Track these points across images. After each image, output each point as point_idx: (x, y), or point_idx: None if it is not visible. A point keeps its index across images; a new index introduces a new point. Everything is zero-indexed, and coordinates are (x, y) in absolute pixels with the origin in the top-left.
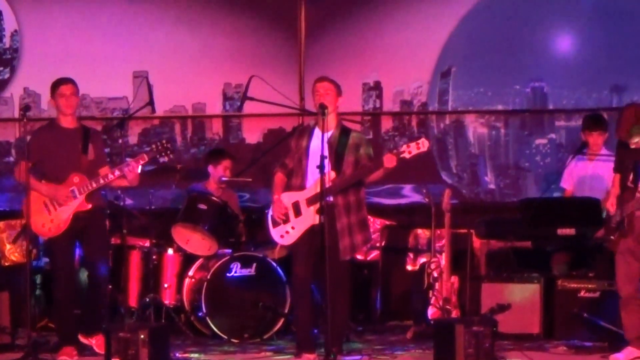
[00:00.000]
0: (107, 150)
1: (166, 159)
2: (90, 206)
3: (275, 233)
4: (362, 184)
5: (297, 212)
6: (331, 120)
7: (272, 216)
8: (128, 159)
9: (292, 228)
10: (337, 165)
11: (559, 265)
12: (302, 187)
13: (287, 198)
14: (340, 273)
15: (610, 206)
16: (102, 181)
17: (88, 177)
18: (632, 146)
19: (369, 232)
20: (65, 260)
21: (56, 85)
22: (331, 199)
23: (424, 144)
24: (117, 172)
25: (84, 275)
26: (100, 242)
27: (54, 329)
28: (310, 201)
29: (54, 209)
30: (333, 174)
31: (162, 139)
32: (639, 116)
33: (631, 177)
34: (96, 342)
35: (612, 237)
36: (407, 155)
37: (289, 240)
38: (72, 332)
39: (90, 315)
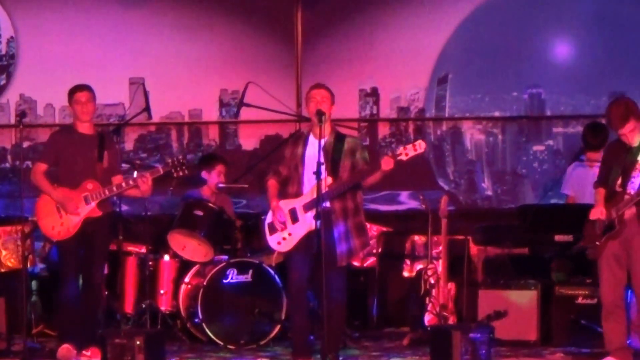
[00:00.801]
0: None
1: (181, 174)
2: (100, 213)
3: (272, 240)
4: (360, 189)
5: (294, 219)
6: (326, 126)
7: (268, 223)
8: (125, 165)
9: (289, 235)
10: (333, 171)
11: (558, 272)
12: (298, 194)
13: (284, 205)
14: (337, 279)
15: (601, 214)
16: (115, 190)
17: (102, 184)
18: (624, 133)
19: (367, 236)
20: (73, 263)
21: (72, 92)
22: (328, 204)
23: (420, 146)
24: (131, 182)
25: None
26: (102, 248)
27: (51, 335)
28: (307, 207)
29: (65, 213)
30: (330, 180)
31: (179, 155)
32: (629, 108)
33: (619, 181)
34: (92, 354)
35: (597, 243)
36: (404, 158)
37: (286, 247)
38: (72, 330)
39: (86, 321)
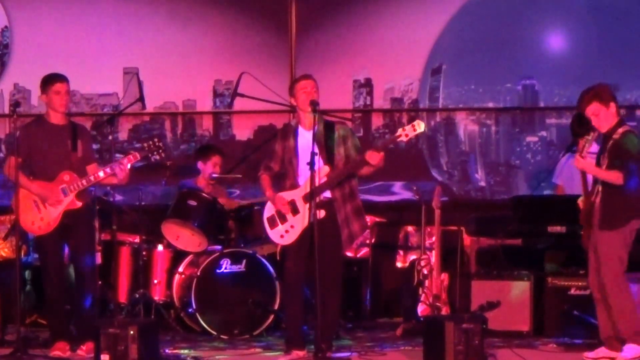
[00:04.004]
0: (97, 146)
1: (157, 157)
2: (80, 204)
3: (274, 234)
4: (355, 175)
5: (295, 211)
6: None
7: (268, 217)
8: (118, 155)
9: (292, 227)
10: (329, 159)
11: (551, 263)
12: (294, 186)
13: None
14: (334, 269)
15: (581, 202)
16: (93, 179)
17: (78, 174)
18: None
19: (365, 219)
20: (55, 257)
21: (51, 81)
22: (329, 194)
23: (419, 125)
24: (108, 170)
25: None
26: (86, 236)
27: (45, 324)
28: (307, 198)
29: (44, 207)
30: (327, 169)
31: (154, 138)
32: (596, 91)
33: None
34: (86, 349)
35: (582, 232)
36: (404, 139)
37: (289, 239)
38: (63, 327)
39: (79, 315)
